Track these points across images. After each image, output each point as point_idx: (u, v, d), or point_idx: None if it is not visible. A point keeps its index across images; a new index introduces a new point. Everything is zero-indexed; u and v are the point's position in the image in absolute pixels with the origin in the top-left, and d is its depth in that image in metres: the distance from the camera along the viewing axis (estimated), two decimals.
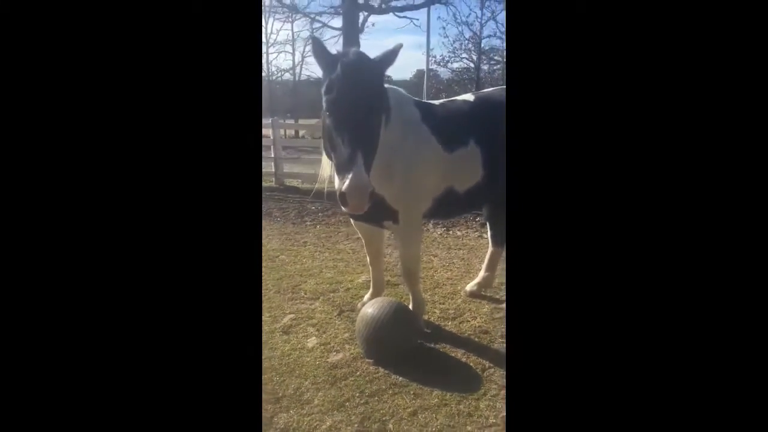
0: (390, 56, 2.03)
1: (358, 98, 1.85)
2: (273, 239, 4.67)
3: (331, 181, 2.23)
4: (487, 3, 16.80)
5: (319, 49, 1.98)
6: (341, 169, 1.84)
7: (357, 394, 2.15)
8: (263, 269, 3.73)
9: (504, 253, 3.09)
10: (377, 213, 2.41)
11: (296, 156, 9.64)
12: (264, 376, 2.28)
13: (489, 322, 2.86)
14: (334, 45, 16.43)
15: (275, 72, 24.26)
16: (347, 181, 1.75)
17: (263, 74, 22.96)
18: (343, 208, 1.83)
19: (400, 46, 2.06)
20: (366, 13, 14.98)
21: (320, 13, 16.01)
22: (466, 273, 3.70)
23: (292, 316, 2.95)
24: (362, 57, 1.97)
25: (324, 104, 1.93)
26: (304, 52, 22.90)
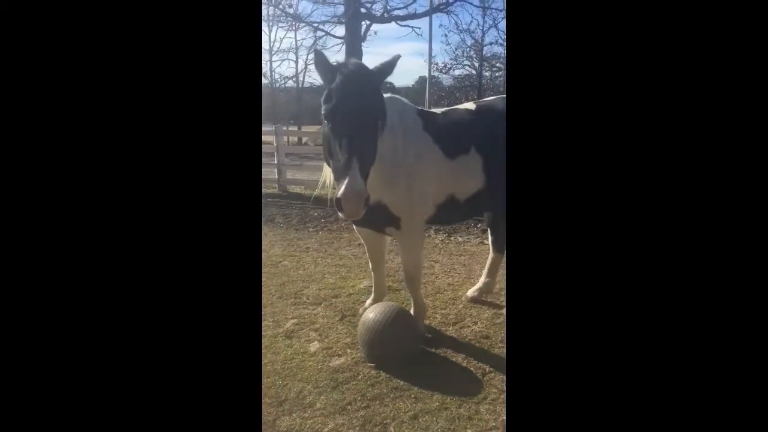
0: (388, 66, 2.10)
1: (355, 106, 1.91)
2: (276, 245, 4.71)
3: (334, 188, 2.27)
4: (488, 11, 16.97)
5: (320, 60, 2.05)
6: (338, 176, 1.92)
7: (358, 398, 2.18)
8: (266, 275, 3.76)
9: (504, 259, 3.12)
10: (379, 219, 2.45)
11: (299, 163, 9.69)
12: (267, 380, 2.31)
13: (489, 327, 2.88)
14: (337, 53, 16.56)
15: (279, 79, 24.43)
16: (342, 187, 1.80)
17: (267, 82, 23.11)
18: (339, 214, 1.88)
19: (398, 57, 2.12)
20: (368, 22, 15.08)
21: (323, 22, 16.09)
22: (467, 279, 3.72)
23: (294, 320, 2.98)
24: (360, 67, 2.04)
25: (323, 112, 1.99)
26: (307, 60, 23.02)
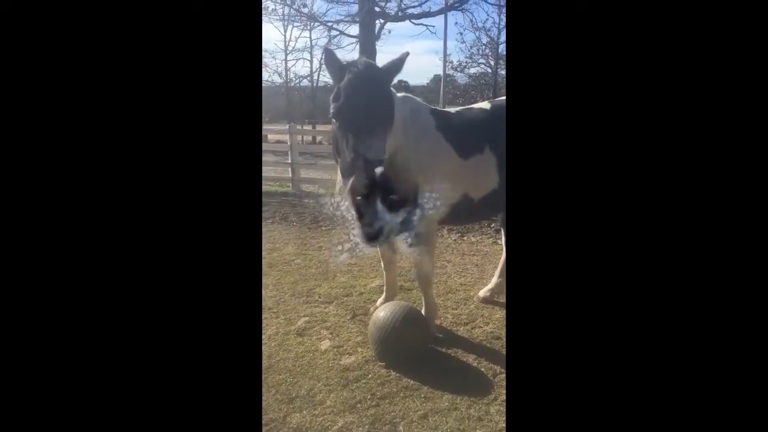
0: (396, 64, 2.08)
1: (362, 105, 1.91)
2: (289, 243, 4.74)
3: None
4: (503, 8, 16.81)
5: (330, 58, 2.05)
6: (344, 173, 1.93)
7: (368, 396, 2.19)
8: (279, 273, 3.80)
9: None
10: None
11: (313, 162, 9.75)
12: (278, 377, 2.34)
13: (501, 328, 2.86)
14: (351, 52, 16.59)
15: (294, 79, 24.56)
16: (348, 186, 1.81)
17: (282, 81, 23.27)
18: None
19: (407, 54, 2.10)
20: (382, 21, 15.09)
21: (338, 22, 16.16)
22: (479, 279, 3.70)
23: (306, 318, 3.00)
24: (369, 65, 2.03)
25: (331, 111, 2.00)
26: (321, 59, 23.10)
